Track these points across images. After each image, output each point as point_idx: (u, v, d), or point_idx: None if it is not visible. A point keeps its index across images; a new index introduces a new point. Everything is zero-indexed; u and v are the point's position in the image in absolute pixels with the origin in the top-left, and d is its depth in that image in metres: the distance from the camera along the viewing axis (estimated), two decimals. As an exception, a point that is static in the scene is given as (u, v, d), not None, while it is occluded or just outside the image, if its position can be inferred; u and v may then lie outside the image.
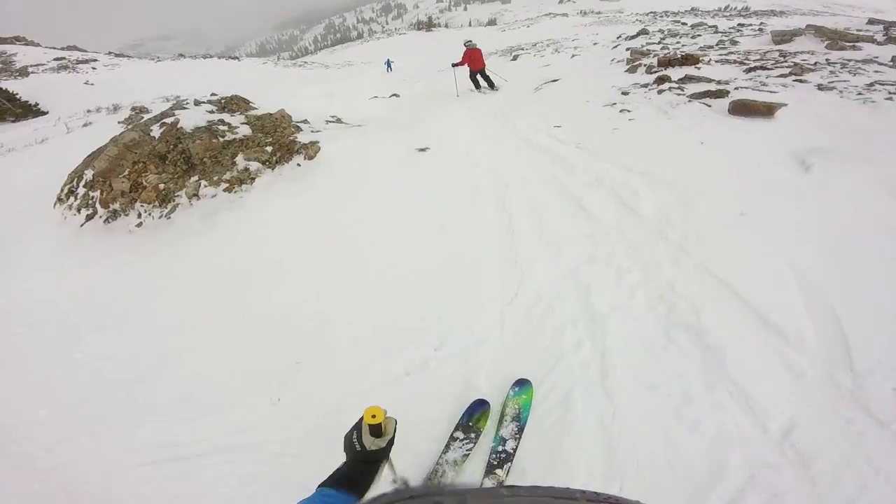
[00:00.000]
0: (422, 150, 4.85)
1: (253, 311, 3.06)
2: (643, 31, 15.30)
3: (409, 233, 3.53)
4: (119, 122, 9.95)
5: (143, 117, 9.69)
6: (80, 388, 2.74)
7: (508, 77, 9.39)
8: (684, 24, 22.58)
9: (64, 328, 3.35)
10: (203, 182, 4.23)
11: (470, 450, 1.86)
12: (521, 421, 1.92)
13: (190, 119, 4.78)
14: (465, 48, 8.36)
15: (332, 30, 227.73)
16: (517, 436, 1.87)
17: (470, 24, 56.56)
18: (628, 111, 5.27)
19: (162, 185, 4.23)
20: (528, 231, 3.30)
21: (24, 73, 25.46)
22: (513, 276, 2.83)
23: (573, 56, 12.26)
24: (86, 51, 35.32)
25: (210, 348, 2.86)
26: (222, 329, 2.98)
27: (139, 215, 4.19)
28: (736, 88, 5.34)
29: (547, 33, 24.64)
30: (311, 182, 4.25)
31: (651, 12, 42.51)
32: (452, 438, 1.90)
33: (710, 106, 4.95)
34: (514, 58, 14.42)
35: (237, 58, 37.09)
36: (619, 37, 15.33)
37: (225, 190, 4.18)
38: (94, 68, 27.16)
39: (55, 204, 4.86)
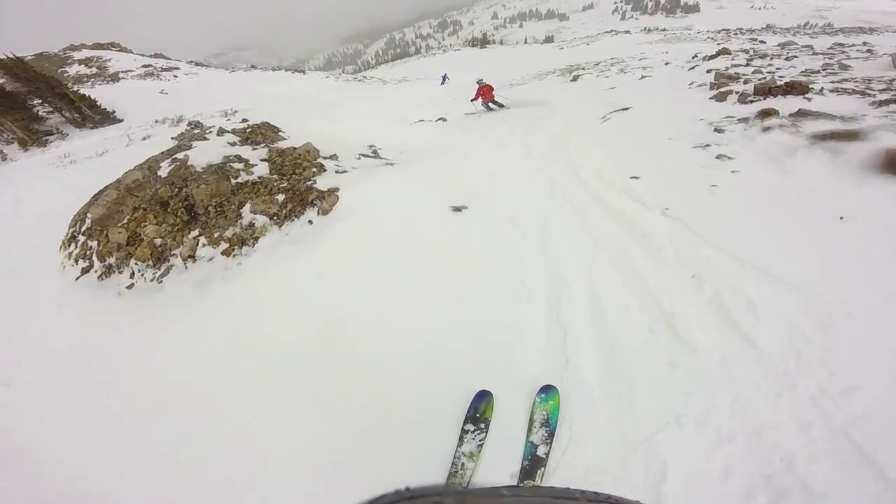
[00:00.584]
0: (457, 209, 3.87)
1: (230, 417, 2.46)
2: (724, 51, 13.68)
3: (423, 344, 2.58)
4: (172, 138, 10.26)
5: (194, 133, 9.95)
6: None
7: (569, 101, 8.67)
8: (762, 41, 20.34)
9: (42, 393, 3.06)
10: (202, 239, 3.69)
11: (482, 440, 1.91)
12: (550, 426, 1.94)
13: (204, 154, 4.30)
14: (477, 85, 10.34)
15: (393, 45, 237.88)
16: (548, 441, 1.89)
17: (525, 41, 55.98)
18: (727, 157, 4.10)
19: (159, 240, 3.74)
20: (588, 364, 2.27)
21: (115, 78, 28.29)
22: (558, 440, 1.91)
23: (643, 77, 11.08)
24: (170, 59, 38.98)
25: (175, 442, 2.39)
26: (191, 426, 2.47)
27: (132, 275, 3.74)
28: (872, 129, 4.13)
29: (610, 51, 23.32)
30: (319, 247, 3.50)
31: (723, 30, 39.37)
32: (464, 431, 1.95)
33: (841, 154, 3.80)
34: (575, 78, 13.35)
35: (302, 71, 39.29)
36: (695, 56, 13.82)
37: (224, 252, 3.60)
38: (175, 76, 29.62)
39: (60, 247, 4.61)
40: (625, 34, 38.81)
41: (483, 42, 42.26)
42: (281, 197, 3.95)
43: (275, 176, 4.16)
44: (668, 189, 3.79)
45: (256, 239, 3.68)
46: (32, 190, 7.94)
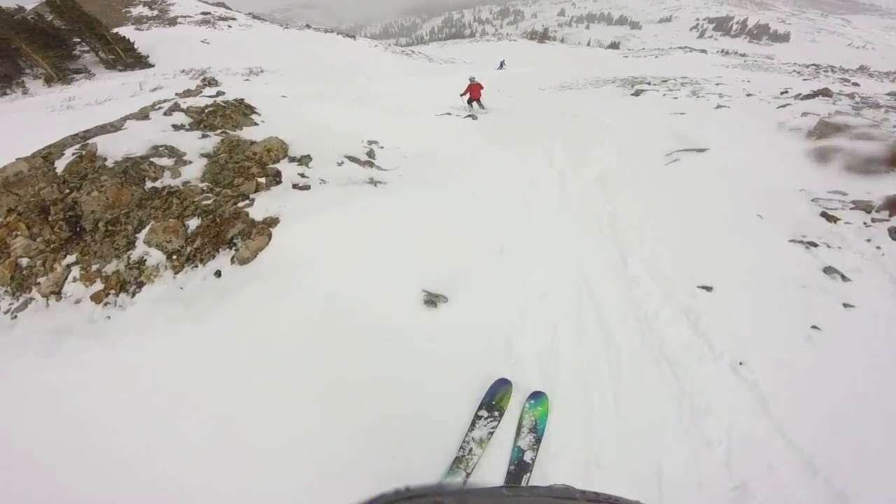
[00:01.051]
0: (433, 300, 2.54)
1: None
2: (824, 92, 11.54)
3: None
4: (176, 94, 9.29)
5: (200, 92, 9.04)
6: None
7: (627, 121, 7.18)
8: (856, 84, 17.68)
9: None
10: (75, 272, 2.63)
11: (494, 428, 1.92)
12: (538, 432, 1.95)
13: (126, 141, 3.16)
14: (469, 82, 10.15)
15: (449, 23, 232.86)
16: (535, 447, 1.91)
17: (589, 44, 52.78)
18: (840, 275, 2.79)
19: (26, 260, 2.70)
20: None
21: (172, 22, 28.07)
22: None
23: (719, 107, 9.43)
24: (230, 9, 38.64)
25: None
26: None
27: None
28: None
29: (680, 69, 21.12)
30: (215, 324, 2.27)
31: (813, 65, 35.65)
32: (477, 417, 1.95)
33: None
34: (637, 93, 11.59)
35: (353, 36, 38.27)
36: (785, 92, 11.89)
37: (94, 297, 2.54)
38: (229, 26, 29.14)
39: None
40: (700, 53, 35.73)
41: (542, 37, 39.91)
42: (194, 223, 2.75)
43: (204, 184, 3.00)
44: (748, 320, 2.48)
45: (141, 285, 2.56)
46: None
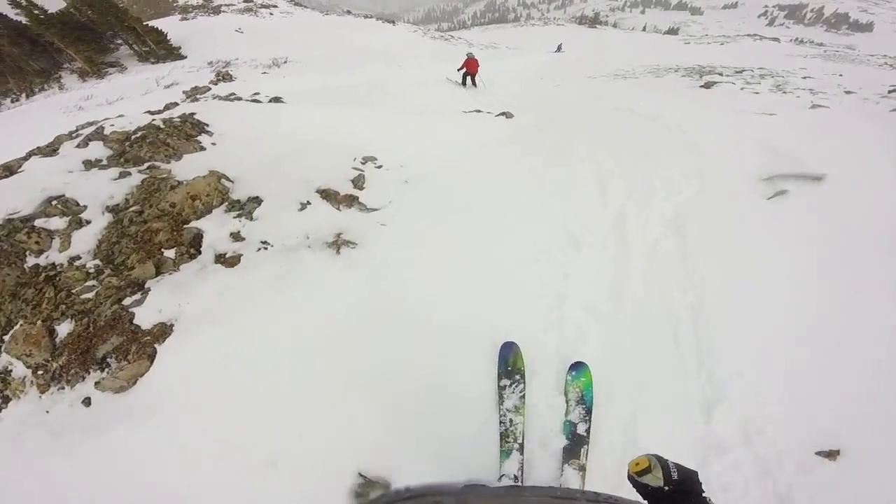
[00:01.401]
0: None
1: None
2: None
3: None
4: (184, 91, 8.77)
5: (208, 89, 8.44)
6: None
7: (700, 124, 5.68)
8: None
9: None
10: None
11: (523, 391, 1.89)
12: (586, 403, 1.91)
13: (12, 194, 2.37)
14: (466, 57, 10.17)
15: (492, 8, 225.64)
16: (586, 418, 1.86)
17: (644, 29, 48.94)
18: None
19: None
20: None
21: (216, 11, 28.27)
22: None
23: (815, 106, 7.67)
24: (274, -5, 38.61)
25: None
26: None
27: None
28: None
29: (753, 58, 18.54)
30: (83, 463, 1.59)
31: (904, 57, 30.69)
32: (501, 388, 1.91)
33: None
34: (708, 85, 9.80)
35: (393, 21, 37.37)
36: (894, 90, 9.78)
37: None
38: (270, 13, 28.99)
39: None
40: (772, 41, 31.86)
41: (593, 21, 37.17)
42: (65, 328, 1.97)
43: (94, 263, 2.17)
44: None
45: (7, 400, 1.88)
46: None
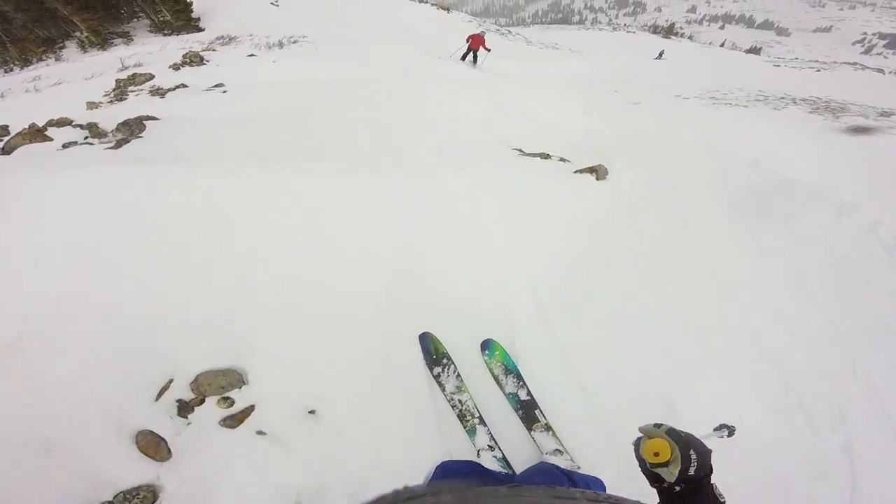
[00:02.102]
0: None
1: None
2: None
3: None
4: (117, 81, 7.00)
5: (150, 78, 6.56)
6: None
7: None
8: None
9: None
10: None
11: (457, 371, 1.94)
12: (513, 370, 2.00)
13: None
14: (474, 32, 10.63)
15: (556, 8, 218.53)
16: (521, 383, 1.94)
17: (723, 45, 44.14)
18: None
19: None
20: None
21: None
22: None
23: None
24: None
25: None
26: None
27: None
28: None
29: (870, 92, 15.03)
30: None
31: None
32: (436, 376, 1.94)
33: None
34: (861, 130, 6.75)
35: (447, 9, 35.16)
36: None
37: None
38: None
39: None
40: (875, 72, 27.15)
41: (668, 31, 33.51)
42: None
43: None
44: None
45: None
46: None
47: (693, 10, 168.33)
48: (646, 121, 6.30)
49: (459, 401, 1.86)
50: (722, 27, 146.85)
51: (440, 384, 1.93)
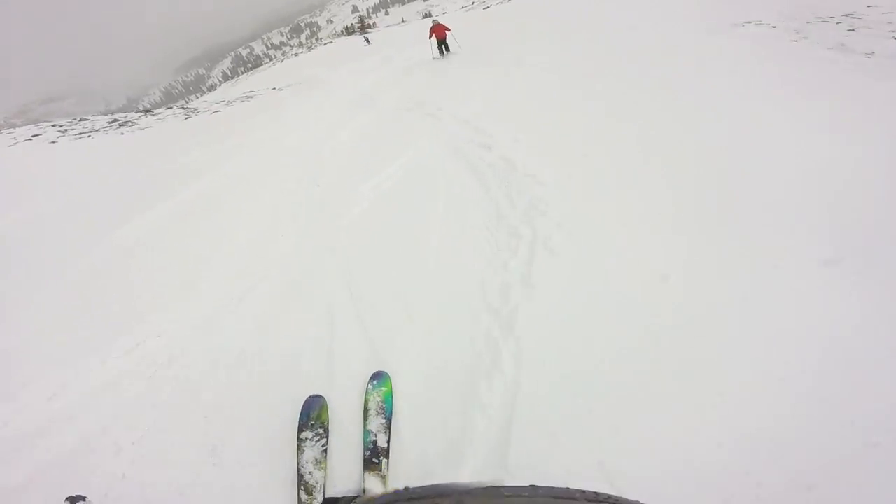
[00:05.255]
0: None
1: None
2: None
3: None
4: None
5: None
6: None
7: None
8: None
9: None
10: None
11: (325, 445, 1.82)
12: (386, 413, 1.93)
13: None
14: (432, 23, 10.51)
15: (241, 61, 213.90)
16: (386, 430, 1.87)
17: (403, 21, 47.51)
18: None
19: None
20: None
21: None
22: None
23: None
24: None
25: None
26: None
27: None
28: None
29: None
30: None
31: None
32: (301, 440, 1.85)
33: None
34: None
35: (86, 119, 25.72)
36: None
37: None
38: None
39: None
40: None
41: (363, 26, 32.99)
42: None
43: None
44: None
45: None
46: None
47: (355, 9, 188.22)
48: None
49: (310, 472, 1.74)
50: (387, 13, 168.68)
51: (299, 448, 1.82)
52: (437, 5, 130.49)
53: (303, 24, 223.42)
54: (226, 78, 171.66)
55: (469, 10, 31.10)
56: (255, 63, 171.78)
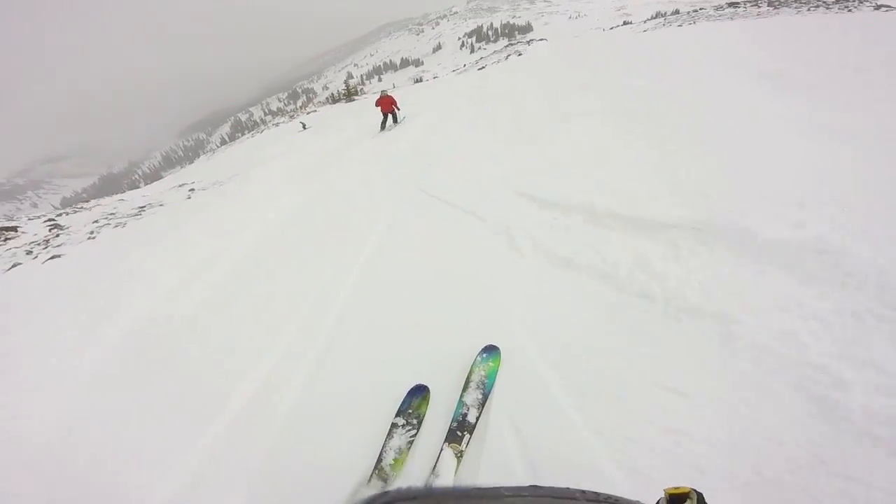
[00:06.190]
0: None
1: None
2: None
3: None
4: None
5: None
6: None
7: None
8: None
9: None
10: None
11: (413, 436, 1.88)
12: (485, 388, 1.95)
13: None
14: (380, 94, 10.52)
15: (239, 126, 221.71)
16: (480, 405, 1.90)
17: (394, 87, 47.36)
18: None
19: None
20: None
21: None
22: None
23: None
24: None
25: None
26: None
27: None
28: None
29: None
30: None
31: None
32: (394, 425, 1.91)
33: None
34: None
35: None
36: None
37: None
38: None
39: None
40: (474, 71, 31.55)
41: (349, 94, 31.77)
42: None
43: None
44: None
45: None
46: None
47: (350, 76, 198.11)
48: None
49: (389, 457, 1.77)
50: (380, 79, 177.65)
51: (389, 433, 1.88)
52: (428, 70, 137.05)
53: (300, 90, 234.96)
54: (223, 142, 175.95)
55: (460, 73, 29.91)
56: (253, 129, 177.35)
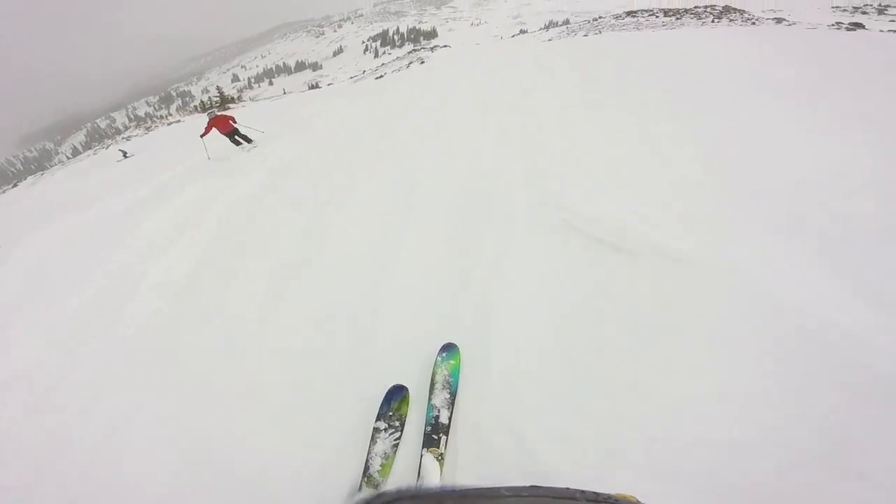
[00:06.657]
0: None
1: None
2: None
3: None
4: None
5: None
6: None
7: None
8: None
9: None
10: None
11: (398, 439, 1.84)
12: (451, 388, 1.92)
13: None
14: (207, 117, 8.65)
15: (97, 135, 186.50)
16: (450, 405, 1.87)
17: (284, 92, 42.47)
18: None
19: None
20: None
21: None
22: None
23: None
24: None
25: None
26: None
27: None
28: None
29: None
30: None
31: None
32: (376, 430, 1.85)
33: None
34: None
35: None
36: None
37: None
38: None
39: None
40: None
41: (223, 102, 26.98)
42: None
43: None
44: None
45: None
46: None
47: (236, 78, 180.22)
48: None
49: (377, 465, 1.73)
50: (270, 83, 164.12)
51: (373, 438, 1.83)
52: (327, 75, 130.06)
53: (174, 94, 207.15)
54: (75, 153, 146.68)
55: (358, 80, 27.36)
56: (113, 136, 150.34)
